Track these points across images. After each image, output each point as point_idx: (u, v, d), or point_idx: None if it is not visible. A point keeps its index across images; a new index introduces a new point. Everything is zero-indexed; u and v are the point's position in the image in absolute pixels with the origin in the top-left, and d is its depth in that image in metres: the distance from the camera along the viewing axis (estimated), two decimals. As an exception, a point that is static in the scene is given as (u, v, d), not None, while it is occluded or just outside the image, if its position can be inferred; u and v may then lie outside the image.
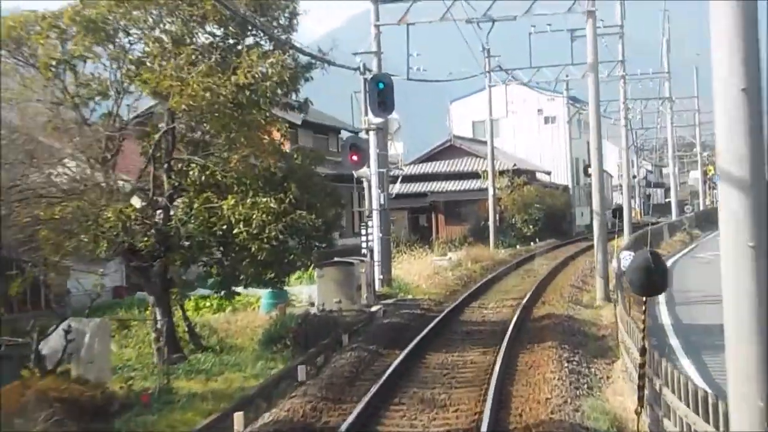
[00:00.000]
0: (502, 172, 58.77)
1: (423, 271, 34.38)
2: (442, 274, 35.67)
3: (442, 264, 38.56)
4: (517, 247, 52.24)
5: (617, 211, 41.50)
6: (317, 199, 21.32)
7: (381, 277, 29.35)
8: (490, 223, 49.54)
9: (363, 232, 27.42)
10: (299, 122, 49.65)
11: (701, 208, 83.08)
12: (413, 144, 69.01)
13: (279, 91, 20.47)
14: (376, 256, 29.02)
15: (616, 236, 45.10)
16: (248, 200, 19.99)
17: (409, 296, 29.02)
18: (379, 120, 27.99)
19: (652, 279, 11.40)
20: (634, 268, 11.49)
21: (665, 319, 24.46)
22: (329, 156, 53.30)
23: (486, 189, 56.64)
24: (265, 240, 19.86)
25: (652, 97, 65.81)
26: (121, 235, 18.95)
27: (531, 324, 23.95)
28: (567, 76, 49.39)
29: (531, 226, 57.71)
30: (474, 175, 60.77)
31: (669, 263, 43.25)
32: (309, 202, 20.89)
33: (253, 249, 19.95)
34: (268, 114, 20.60)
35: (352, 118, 30.97)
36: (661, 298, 28.98)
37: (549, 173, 70.76)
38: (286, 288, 29.25)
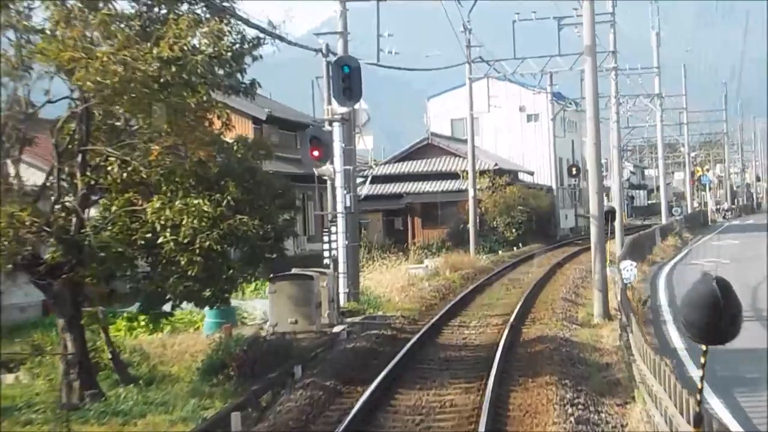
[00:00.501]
0: (482, 172, 55.14)
1: (396, 282, 30.64)
2: (418, 284, 31.94)
3: (417, 273, 34.84)
4: (500, 252, 48.58)
5: (609, 214, 37.78)
6: (264, 201, 17.54)
7: (347, 290, 25.58)
8: (471, 226, 45.87)
9: (325, 239, 23.62)
10: (264, 117, 45.86)
11: (689, 210, 79.82)
12: (393, 143, 65.41)
13: (219, 71, 16.76)
14: (341, 267, 25.24)
15: (607, 240, 41.57)
16: (177, 202, 16.21)
17: (380, 313, 25.26)
18: (344, 109, 24.23)
19: (718, 320, 7.61)
20: (693, 304, 7.64)
21: (677, 341, 20.78)
22: (297, 154, 49.50)
23: (466, 190, 53.12)
24: (198, 251, 16.08)
25: (640, 93, 62.31)
26: (13, 244, 15.13)
27: (521, 349, 20.23)
28: (553, 68, 45.71)
29: (514, 230, 54.08)
30: (453, 176, 57.13)
31: (666, 270, 39.78)
32: (254, 204, 17.12)
33: (182, 262, 16.17)
34: (205, 97, 16.81)
35: (313, 107, 27.20)
36: (667, 315, 25.38)
37: (532, 173, 67.18)
38: (238, 302, 25.46)
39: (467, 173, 54.35)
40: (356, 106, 27.65)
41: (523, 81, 67.24)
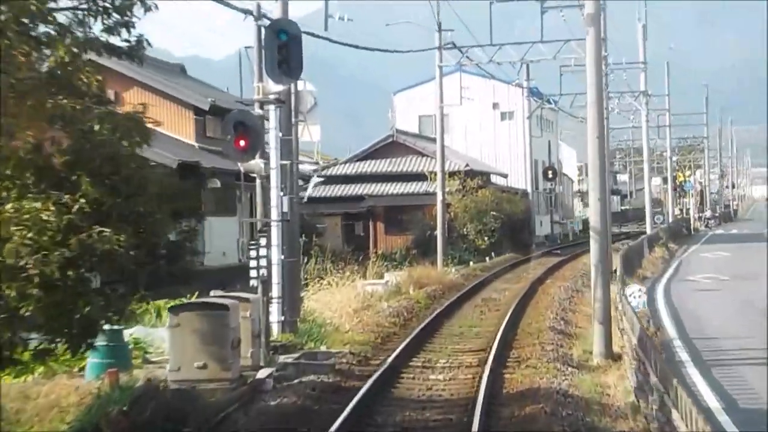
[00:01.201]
0: (452, 174, 49.94)
1: (349, 303, 25.26)
2: (376, 305, 26.60)
3: (376, 290, 29.52)
4: (471, 264, 43.33)
5: None
6: (146, 205, 12.13)
7: (282, 318, 20.16)
8: (439, 234, 40.58)
9: (252, 253, 18.22)
10: (206, 107, 40.28)
11: (670, 218, 75.04)
12: (357, 140, 60.19)
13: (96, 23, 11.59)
14: (275, 290, 19.83)
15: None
16: (8, 206, 10.88)
17: (323, 347, 19.88)
18: (279, 87, 18.84)
19: None
20: None
21: (710, 397, 15.61)
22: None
23: (433, 193, 47.98)
24: (35, 279, 10.72)
25: (624, 91, 57.39)
26: None
27: (506, 410, 14.89)
28: (535, 56, 40.49)
29: (486, 238, 48.90)
30: (419, 177, 51.90)
31: (661, 288, 34.78)
32: (125, 209, 11.72)
33: (10, 295, 10.80)
34: (67, 57, 11.44)
35: (240, 85, 21.66)
36: (682, 351, 20.23)
37: (506, 176, 62.05)
38: (144, 331, 20.02)
39: (435, 174, 49.27)
40: (300, 87, 22.31)
41: (498, 76, 62.30)
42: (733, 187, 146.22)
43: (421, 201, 50.67)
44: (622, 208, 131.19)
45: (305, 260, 33.74)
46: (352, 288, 28.21)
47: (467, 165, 52.68)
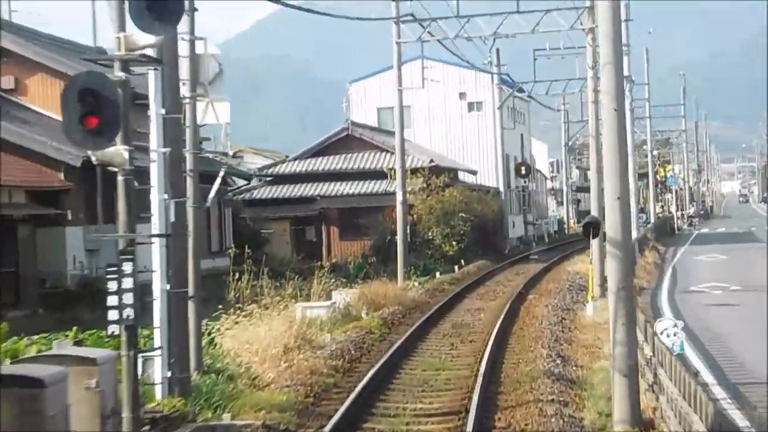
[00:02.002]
0: (414, 171, 44.03)
1: (278, 338, 19.09)
2: (315, 339, 20.47)
3: (319, 315, 23.43)
4: (437, 275, 37.29)
5: (591, 226, 27.17)
6: None
7: (169, 375, 13.98)
8: (399, 243, 34.48)
9: (111, 286, 12.09)
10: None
11: (652, 217, 69.60)
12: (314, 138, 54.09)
13: None
14: (157, 336, 13.68)
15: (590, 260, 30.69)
16: None
17: (226, 416, 13.74)
18: (151, 39, 12.66)
19: None
20: None
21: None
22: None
23: (394, 193, 42.22)
24: None
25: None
26: None
27: None
28: (511, 30, 34.43)
29: (454, 243, 42.92)
30: (378, 175, 45.92)
31: (665, 302, 29.04)
32: None
33: None
34: None
35: (93, 35, 15.30)
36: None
37: (475, 173, 56.15)
38: None
39: (396, 172, 43.46)
40: (200, 50, 16.25)
41: (466, 63, 56.57)
42: (708, 183, 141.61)
43: (380, 202, 44.75)
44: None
45: (235, 276, 27.65)
46: (288, 315, 22.00)
47: (431, 161, 46.74)
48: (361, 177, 46.65)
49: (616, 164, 14.05)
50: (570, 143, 78.36)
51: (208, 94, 16.34)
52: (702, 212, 78.34)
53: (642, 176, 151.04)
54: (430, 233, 43.24)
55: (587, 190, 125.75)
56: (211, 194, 18.34)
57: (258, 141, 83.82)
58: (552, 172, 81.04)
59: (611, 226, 14.11)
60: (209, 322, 19.99)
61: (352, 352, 19.73)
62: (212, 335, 18.64)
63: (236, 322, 19.03)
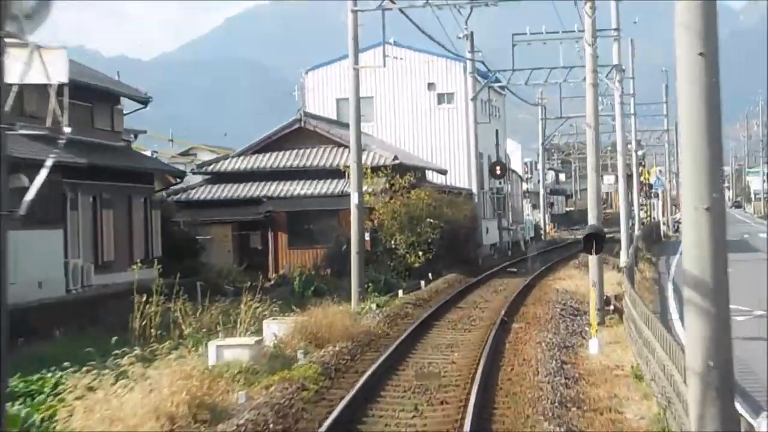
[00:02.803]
0: (376, 169, 38.07)
1: (160, 407, 12.95)
2: (219, 404, 14.29)
3: (238, 358, 17.29)
4: (400, 293, 31.09)
5: (594, 238, 21.33)
6: None
7: None
8: (354, 256, 28.22)
9: None
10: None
11: (637, 222, 64.04)
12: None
13: None
14: None
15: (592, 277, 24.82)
16: None
17: None
18: None
19: None
20: None
21: None
22: (98, 137, 32.03)
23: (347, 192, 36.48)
24: None
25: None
26: None
27: None
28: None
29: (421, 253, 36.84)
30: (335, 173, 39.82)
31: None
32: None
33: None
34: None
35: None
36: None
37: (444, 173, 50.17)
38: None
39: (370, 171, 37.68)
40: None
41: (434, 49, 50.79)
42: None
43: (336, 204, 38.66)
44: (567, 209, 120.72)
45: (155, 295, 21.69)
46: (192, 361, 15.80)
47: (396, 158, 40.67)
48: (315, 176, 40.52)
49: (702, 150, 7.97)
50: (545, 142, 72.61)
51: (24, 34, 10.19)
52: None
53: (629, 178, 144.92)
54: (393, 241, 37.18)
55: (561, 192, 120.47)
56: (28, 196, 11.97)
57: (229, 141, 77.48)
58: (526, 173, 75.30)
59: (694, 258, 8.04)
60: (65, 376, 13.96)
61: (271, 426, 13.57)
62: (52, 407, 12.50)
63: (90, 388, 12.72)
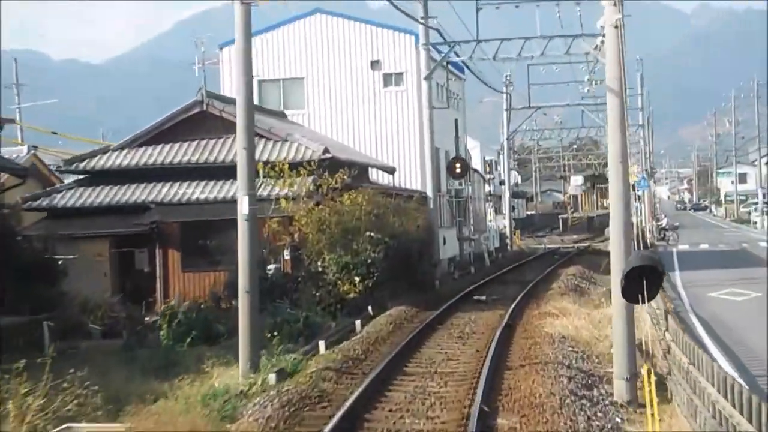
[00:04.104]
0: (295, 166, 28.41)
1: None
2: None
3: None
4: (322, 347, 20.86)
5: (646, 275, 12.10)
6: None
7: None
8: (242, 298, 18.14)
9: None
10: None
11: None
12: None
13: None
14: None
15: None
16: None
17: None
18: None
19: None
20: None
21: None
22: None
23: (269, 199, 27.03)
24: None
25: (576, 34, 36.59)
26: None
27: None
28: None
29: (358, 279, 26.85)
30: (245, 171, 29.63)
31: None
32: None
33: None
34: None
35: None
36: None
37: (392, 171, 40.27)
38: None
39: (272, 168, 28.25)
40: None
41: (378, 20, 41.58)
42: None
43: (246, 212, 28.66)
44: (528, 212, 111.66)
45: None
46: None
47: (326, 151, 30.77)
48: (221, 175, 30.55)
49: None
50: (510, 137, 63.07)
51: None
52: (677, 224, 63.58)
53: (597, 178, 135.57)
54: (320, 263, 27.26)
55: (522, 195, 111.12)
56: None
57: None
58: (488, 172, 65.74)
59: None
60: None
61: None
62: None
63: None
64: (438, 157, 43.94)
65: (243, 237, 17.64)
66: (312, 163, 29.12)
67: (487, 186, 63.09)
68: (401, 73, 42.54)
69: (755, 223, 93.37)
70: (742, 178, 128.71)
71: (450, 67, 44.75)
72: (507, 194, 60.56)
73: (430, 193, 37.57)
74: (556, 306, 26.34)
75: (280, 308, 24.72)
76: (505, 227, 60.84)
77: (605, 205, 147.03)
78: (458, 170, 42.12)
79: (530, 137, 73.54)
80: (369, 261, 27.05)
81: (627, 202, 17.07)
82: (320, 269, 27.19)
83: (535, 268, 45.31)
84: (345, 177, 28.30)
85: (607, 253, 50.80)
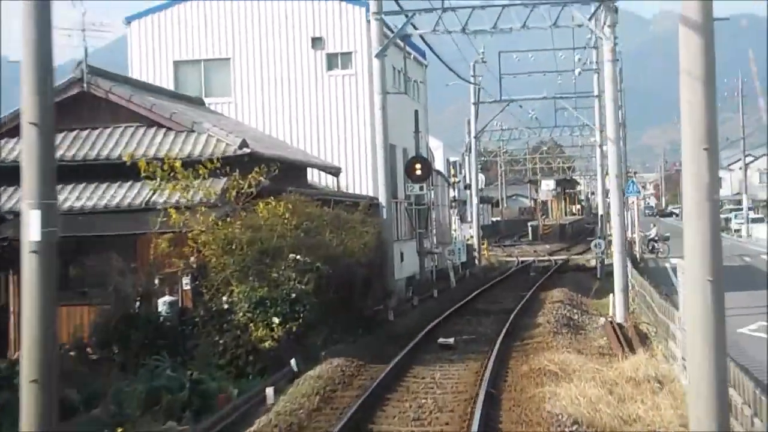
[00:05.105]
0: (191, 164, 20.81)
1: None
2: None
3: None
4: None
5: None
6: None
7: None
8: (23, 374, 10.65)
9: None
10: None
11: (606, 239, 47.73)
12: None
13: None
14: None
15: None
16: None
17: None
18: None
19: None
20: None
21: None
22: None
23: (162, 207, 19.52)
24: None
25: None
26: None
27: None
28: None
29: (278, 321, 19.23)
30: (134, 172, 21.99)
31: None
32: None
33: None
34: None
35: None
36: None
37: (337, 173, 32.50)
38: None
39: (161, 167, 20.66)
40: None
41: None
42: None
43: (133, 225, 21.30)
44: (494, 219, 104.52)
45: None
46: None
47: (244, 144, 23.12)
48: (105, 175, 22.87)
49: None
50: (478, 135, 55.70)
51: None
52: (668, 235, 56.48)
53: (568, 182, 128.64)
54: (225, 297, 19.62)
55: (487, 200, 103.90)
56: None
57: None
58: (454, 175, 58.24)
59: None
60: None
61: None
62: None
63: None
64: (395, 156, 36.48)
65: (30, 285, 10.05)
66: (217, 161, 21.44)
67: (452, 191, 55.61)
68: (349, 53, 34.92)
69: (738, 230, 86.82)
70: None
71: (410, 50, 37.49)
72: (475, 200, 53.14)
73: (383, 199, 30.02)
74: (553, 359, 18.89)
75: (160, 367, 17.10)
76: (471, 237, 53.43)
77: (574, 211, 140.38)
78: (419, 172, 34.64)
79: (498, 137, 66.21)
80: (293, 295, 19.43)
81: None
82: (225, 306, 19.56)
83: (511, 289, 37.95)
84: (262, 178, 20.66)
85: (592, 269, 43.41)
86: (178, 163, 19.97)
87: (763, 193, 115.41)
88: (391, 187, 32.36)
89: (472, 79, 50.88)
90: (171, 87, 33.72)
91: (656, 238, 53.74)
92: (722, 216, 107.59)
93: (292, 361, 18.99)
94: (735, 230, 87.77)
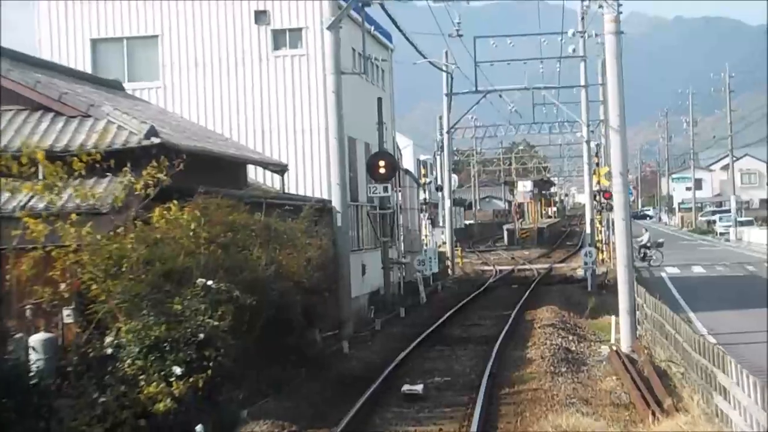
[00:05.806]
0: (56, 158, 15.31)
1: None
2: None
3: None
4: None
5: None
6: None
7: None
8: None
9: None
10: None
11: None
12: None
13: None
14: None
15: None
16: None
17: None
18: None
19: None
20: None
21: None
22: None
23: (27, 216, 13.72)
24: None
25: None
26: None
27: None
28: None
29: (180, 371, 13.98)
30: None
31: None
32: None
33: None
34: None
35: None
36: None
37: (282, 170, 27.05)
38: None
39: (43, 158, 14.80)
40: None
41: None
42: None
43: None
44: (467, 222, 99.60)
45: None
46: None
47: (152, 133, 17.79)
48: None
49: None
50: (451, 129, 50.60)
51: None
52: (661, 241, 51.53)
53: (545, 184, 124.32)
54: (110, 338, 14.27)
55: (460, 203, 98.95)
56: None
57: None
58: (425, 175, 53.14)
59: None
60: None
61: None
62: None
63: None
64: (355, 152, 31.25)
65: None
66: (95, 153, 16.04)
67: (422, 192, 50.49)
68: (299, 30, 29.50)
69: (722, 233, 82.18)
70: (698, 184, 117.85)
71: (371, 26, 32.37)
72: (448, 202, 47.99)
73: (337, 202, 24.69)
74: (560, 425, 13.66)
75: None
76: (444, 244, 48.30)
77: (550, 213, 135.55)
78: (383, 170, 29.43)
79: (473, 134, 61.19)
80: (201, 336, 14.11)
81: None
82: (109, 351, 14.23)
83: (491, 307, 32.79)
84: (162, 175, 15.28)
85: (580, 281, 38.22)
86: (41, 155, 14.57)
87: (744, 195, 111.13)
88: (349, 188, 27.10)
89: (444, 67, 45.74)
90: (88, 69, 28.37)
91: (648, 244, 48.77)
92: (704, 219, 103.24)
93: (198, 429, 13.69)
94: (719, 233, 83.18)
